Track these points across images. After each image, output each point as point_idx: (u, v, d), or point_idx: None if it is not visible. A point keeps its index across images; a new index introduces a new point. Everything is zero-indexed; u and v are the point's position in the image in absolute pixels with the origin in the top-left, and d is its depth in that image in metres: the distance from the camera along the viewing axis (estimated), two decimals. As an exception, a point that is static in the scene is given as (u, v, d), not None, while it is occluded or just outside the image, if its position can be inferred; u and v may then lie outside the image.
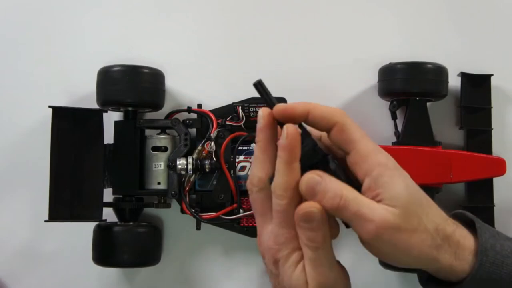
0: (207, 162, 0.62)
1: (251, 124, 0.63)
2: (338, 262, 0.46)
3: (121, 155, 0.64)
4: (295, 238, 0.44)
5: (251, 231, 0.63)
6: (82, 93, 0.68)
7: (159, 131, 0.65)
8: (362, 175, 0.44)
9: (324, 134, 0.46)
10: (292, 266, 0.45)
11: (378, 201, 0.43)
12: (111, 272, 0.68)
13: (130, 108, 0.64)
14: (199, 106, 0.65)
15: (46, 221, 0.59)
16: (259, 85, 0.46)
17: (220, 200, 0.63)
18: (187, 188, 0.63)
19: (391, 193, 0.43)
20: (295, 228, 0.44)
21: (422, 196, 0.44)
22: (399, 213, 0.42)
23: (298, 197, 0.44)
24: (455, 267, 0.44)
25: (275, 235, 0.45)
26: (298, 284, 0.44)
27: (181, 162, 0.61)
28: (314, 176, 0.43)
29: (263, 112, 0.45)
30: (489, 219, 0.65)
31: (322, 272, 0.44)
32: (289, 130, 0.43)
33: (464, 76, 0.66)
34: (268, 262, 0.46)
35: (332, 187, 0.43)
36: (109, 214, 0.64)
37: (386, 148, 0.63)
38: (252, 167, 0.46)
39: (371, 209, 0.42)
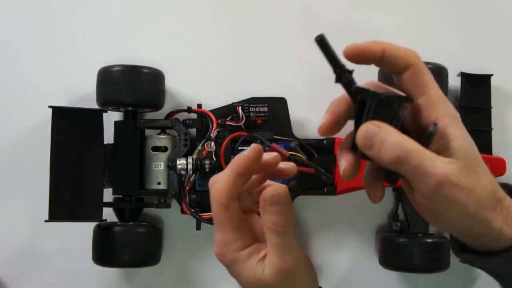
0: (207, 162, 0.62)
1: (251, 124, 0.63)
2: (299, 247, 0.46)
3: (121, 155, 0.64)
4: (235, 240, 0.45)
5: (251, 231, 0.63)
6: (82, 93, 0.68)
7: (159, 131, 0.65)
8: (428, 122, 0.42)
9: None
10: (247, 262, 0.45)
11: (441, 152, 0.41)
12: (111, 272, 0.68)
13: (130, 108, 0.64)
14: (199, 106, 0.65)
15: (46, 221, 0.59)
16: (322, 42, 0.43)
17: (220, 200, 0.62)
18: (187, 188, 0.63)
19: (458, 144, 0.41)
20: (228, 231, 0.44)
21: (480, 156, 0.42)
22: (461, 167, 0.40)
23: (232, 206, 0.44)
24: (504, 232, 0.42)
25: (215, 239, 0.45)
26: (255, 277, 0.45)
27: (181, 162, 0.61)
28: (372, 127, 0.40)
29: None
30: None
31: (286, 257, 0.44)
32: (255, 149, 0.43)
33: (464, 76, 0.66)
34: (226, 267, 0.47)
35: (391, 138, 0.40)
36: (109, 214, 0.64)
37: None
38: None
39: (433, 162, 0.40)
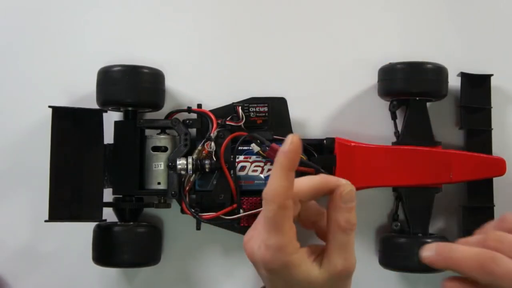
0: (207, 162, 0.62)
1: (251, 124, 0.63)
2: None
3: (121, 155, 0.64)
4: (290, 242, 0.45)
5: (251, 231, 0.63)
6: (82, 93, 0.68)
7: (159, 131, 0.65)
8: None
9: None
10: (301, 265, 0.45)
11: None
12: (111, 272, 0.68)
13: (130, 108, 0.64)
14: (199, 106, 0.65)
15: (46, 221, 0.59)
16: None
17: (220, 200, 0.63)
18: (187, 188, 0.63)
19: None
20: (284, 234, 0.44)
21: None
22: None
23: (289, 206, 0.44)
24: None
25: (265, 243, 0.45)
26: (308, 279, 0.45)
27: (181, 162, 0.61)
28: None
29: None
30: (489, 219, 0.65)
31: (349, 257, 0.46)
32: (294, 138, 0.44)
33: (464, 76, 0.66)
34: (264, 272, 0.47)
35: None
36: (109, 214, 0.64)
37: (386, 148, 0.64)
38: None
39: None
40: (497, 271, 0.41)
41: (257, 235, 0.47)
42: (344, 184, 0.46)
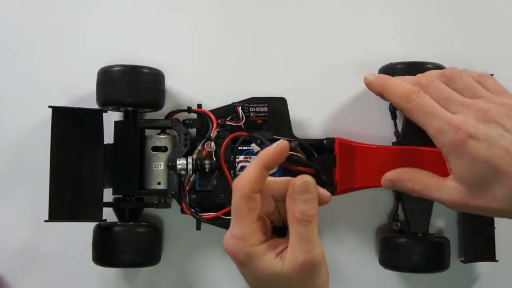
0: (207, 162, 0.62)
1: (251, 124, 0.63)
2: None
3: (121, 155, 0.64)
4: (253, 234, 0.46)
5: (251, 231, 0.63)
6: (82, 93, 0.68)
7: (159, 131, 0.65)
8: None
9: None
10: (264, 256, 0.46)
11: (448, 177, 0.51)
12: (111, 272, 0.68)
13: (130, 108, 0.64)
14: (199, 106, 0.65)
15: (46, 221, 0.59)
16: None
17: (220, 200, 0.63)
18: (187, 188, 0.63)
19: (456, 172, 0.49)
20: (246, 225, 0.45)
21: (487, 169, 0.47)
22: (465, 190, 0.49)
23: (254, 199, 0.45)
24: None
25: (230, 233, 0.46)
26: (272, 272, 0.46)
27: (181, 162, 0.61)
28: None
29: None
30: (489, 219, 0.65)
31: (311, 249, 0.45)
32: (284, 143, 0.46)
33: (464, 76, 0.66)
34: (235, 263, 0.48)
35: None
36: (109, 214, 0.64)
37: (386, 148, 0.64)
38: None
39: (439, 192, 0.51)
40: (416, 101, 0.50)
41: (228, 230, 0.48)
42: (300, 176, 0.47)
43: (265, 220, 0.49)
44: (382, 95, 0.53)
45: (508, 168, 0.47)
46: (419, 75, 0.53)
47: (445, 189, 0.50)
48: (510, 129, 0.48)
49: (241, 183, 0.45)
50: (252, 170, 0.46)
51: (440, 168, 0.62)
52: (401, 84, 0.52)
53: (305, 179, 0.46)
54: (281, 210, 0.50)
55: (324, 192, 0.50)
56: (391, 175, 0.56)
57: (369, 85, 0.54)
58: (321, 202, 0.49)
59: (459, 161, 0.49)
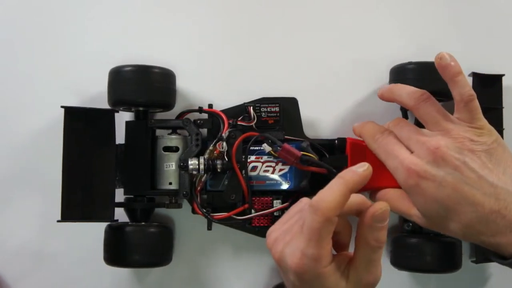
0: (218, 162, 0.62)
1: (262, 124, 0.63)
2: None
3: (132, 155, 0.64)
4: (327, 255, 0.46)
5: (263, 232, 0.63)
6: (93, 93, 0.68)
7: (170, 131, 0.65)
8: None
9: None
10: (331, 276, 0.46)
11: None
12: (123, 272, 0.68)
13: (141, 108, 0.64)
14: (210, 106, 0.65)
15: (58, 221, 0.59)
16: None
17: (232, 200, 0.62)
18: (199, 188, 0.63)
19: (416, 206, 0.55)
20: (323, 247, 0.45)
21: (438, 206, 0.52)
22: (425, 220, 0.54)
23: (335, 222, 0.45)
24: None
25: (303, 252, 0.46)
26: None
27: (192, 162, 0.61)
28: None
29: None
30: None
31: (374, 271, 0.47)
32: (370, 167, 0.47)
33: (475, 76, 0.66)
34: (293, 278, 0.47)
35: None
36: (120, 214, 0.64)
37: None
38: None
39: (409, 216, 0.56)
40: (379, 141, 0.57)
41: (290, 240, 0.48)
42: (378, 203, 0.47)
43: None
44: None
45: (456, 206, 0.50)
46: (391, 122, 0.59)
47: (412, 216, 0.55)
48: (459, 166, 0.50)
49: (326, 207, 0.44)
50: (338, 193, 0.45)
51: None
52: (370, 126, 0.59)
53: (385, 208, 0.47)
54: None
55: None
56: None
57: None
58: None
59: (415, 198, 0.53)
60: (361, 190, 0.62)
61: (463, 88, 0.53)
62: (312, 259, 0.45)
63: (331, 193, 0.45)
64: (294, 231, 0.48)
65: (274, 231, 0.51)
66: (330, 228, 0.45)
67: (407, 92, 0.56)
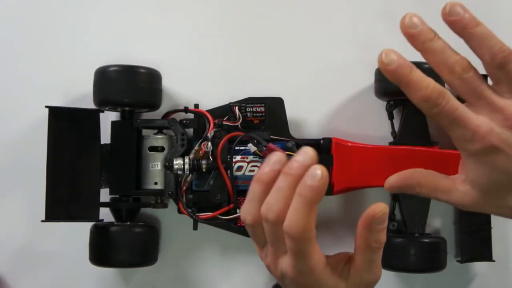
0: (204, 162, 0.62)
1: (247, 124, 0.63)
2: None
3: (118, 155, 0.64)
4: (317, 264, 0.45)
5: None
6: (79, 93, 0.68)
7: (156, 131, 0.65)
8: None
9: None
10: (330, 279, 0.46)
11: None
12: (108, 272, 0.68)
13: (127, 108, 0.64)
14: (196, 106, 0.65)
15: (42, 221, 0.59)
16: None
17: (217, 200, 0.63)
18: (184, 188, 0.63)
19: (471, 176, 0.47)
20: (312, 258, 0.45)
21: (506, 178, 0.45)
22: (477, 195, 0.47)
23: (314, 236, 0.44)
24: None
25: (295, 268, 0.45)
26: None
27: (177, 162, 0.61)
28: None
29: (279, 157, 0.44)
30: (486, 219, 0.66)
31: (375, 270, 0.47)
32: (323, 173, 0.41)
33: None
34: (295, 286, 0.47)
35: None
36: (106, 214, 0.64)
37: (383, 148, 0.64)
38: (248, 203, 0.46)
39: (448, 195, 0.49)
40: (441, 106, 0.43)
41: (280, 262, 0.47)
42: (376, 206, 0.45)
43: None
44: (398, 85, 0.45)
45: None
46: (454, 60, 0.46)
47: (456, 192, 0.48)
48: None
49: (301, 230, 0.42)
50: (305, 213, 0.42)
51: (437, 168, 0.62)
52: (425, 83, 0.44)
53: (384, 211, 0.45)
54: None
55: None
56: (395, 180, 0.52)
57: (386, 68, 0.45)
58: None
59: (478, 166, 0.46)
60: (351, 189, 0.63)
61: (489, 41, 0.44)
62: (306, 272, 0.45)
63: (296, 215, 0.42)
64: (279, 250, 0.47)
65: (261, 256, 0.50)
66: (311, 242, 0.44)
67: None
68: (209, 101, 0.66)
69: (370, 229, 0.45)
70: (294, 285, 0.47)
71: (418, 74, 0.44)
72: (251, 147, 0.62)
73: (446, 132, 0.45)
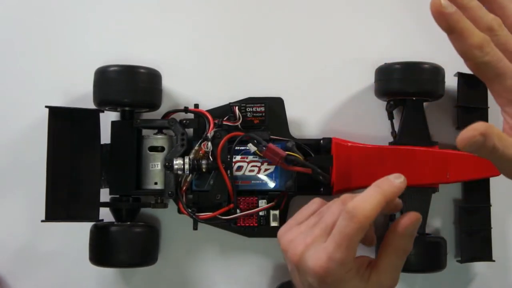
0: (203, 162, 0.62)
1: (248, 124, 0.63)
2: None
3: (118, 155, 0.64)
4: (351, 260, 0.46)
5: (248, 231, 0.63)
6: (79, 93, 0.68)
7: (156, 131, 0.65)
8: None
9: None
10: (352, 280, 0.47)
11: None
12: (108, 272, 0.68)
13: (127, 108, 0.64)
14: (196, 106, 0.65)
15: (42, 221, 0.59)
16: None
17: (217, 200, 0.63)
18: (184, 188, 0.63)
19: None
20: (352, 252, 0.46)
21: None
22: None
23: (367, 229, 0.46)
24: None
25: (329, 256, 0.46)
26: None
27: (177, 162, 0.61)
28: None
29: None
30: (486, 219, 0.66)
31: (396, 276, 0.48)
32: (405, 180, 0.46)
33: (461, 76, 0.66)
34: (313, 280, 0.47)
35: None
36: (106, 214, 0.64)
37: (383, 148, 0.64)
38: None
39: None
40: (490, 54, 0.41)
41: (311, 242, 0.48)
42: (412, 214, 0.47)
43: None
44: (449, 33, 0.42)
45: None
46: (491, 17, 0.43)
47: None
48: None
49: (364, 215, 0.45)
50: (375, 203, 0.45)
51: (436, 168, 0.63)
52: (476, 31, 0.41)
53: (420, 219, 0.47)
54: None
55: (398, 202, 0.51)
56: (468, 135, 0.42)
57: (443, 11, 0.41)
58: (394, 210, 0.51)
59: None
60: (351, 189, 0.63)
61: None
62: (339, 263, 0.46)
63: (369, 201, 0.45)
64: (316, 233, 0.48)
65: (288, 232, 0.51)
66: (362, 235, 0.46)
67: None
68: (209, 101, 0.66)
69: (402, 235, 0.47)
70: (314, 275, 0.47)
71: (468, 22, 0.42)
72: (251, 147, 0.62)
73: (488, 86, 0.44)
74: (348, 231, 0.45)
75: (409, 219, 0.47)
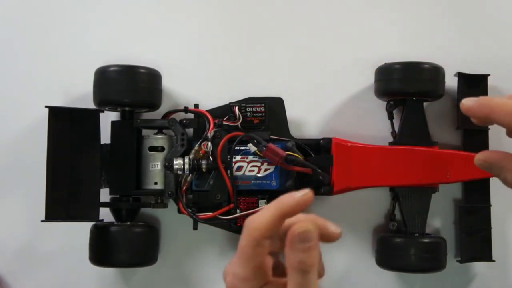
0: (203, 162, 0.62)
1: (247, 124, 0.63)
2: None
3: (118, 155, 0.64)
4: (254, 279, 0.43)
5: (248, 231, 0.63)
6: (79, 93, 0.68)
7: (156, 131, 0.65)
8: None
9: None
10: None
11: None
12: (108, 272, 0.68)
13: (127, 108, 0.64)
14: (196, 106, 0.65)
15: (42, 221, 0.59)
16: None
17: (217, 200, 0.63)
18: (184, 188, 0.63)
19: None
20: (251, 268, 0.43)
21: None
22: None
23: (264, 245, 0.42)
24: None
25: (233, 273, 0.43)
26: None
27: (177, 162, 0.61)
28: None
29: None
30: (486, 219, 0.66)
31: None
32: (310, 194, 0.42)
33: (461, 76, 0.66)
34: None
35: None
36: (106, 214, 0.64)
37: (383, 148, 0.64)
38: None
39: None
40: None
41: (231, 262, 0.47)
42: (300, 223, 0.42)
43: (268, 260, 0.47)
44: (486, 119, 0.45)
45: None
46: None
47: None
48: None
49: (254, 227, 0.42)
50: (268, 215, 0.42)
51: (436, 168, 0.63)
52: (505, 102, 0.44)
53: (304, 228, 0.42)
54: None
55: (334, 229, 0.47)
56: (485, 157, 0.49)
57: (469, 111, 0.46)
58: (330, 239, 0.47)
59: None
60: (351, 189, 0.63)
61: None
62: (240, 279, 0.43)
63: (262, 215, 0.42)
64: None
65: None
66: (258, 250, 0.42)
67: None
68: (209, 101, 0.66)
69: (292, 248, 0.42)
70: None
71: (497, 98, 0.45)
72: (251, 147, 0.62)
73: None
74: (242, 244, 0.42)
75: (293, 228, 0.42)
